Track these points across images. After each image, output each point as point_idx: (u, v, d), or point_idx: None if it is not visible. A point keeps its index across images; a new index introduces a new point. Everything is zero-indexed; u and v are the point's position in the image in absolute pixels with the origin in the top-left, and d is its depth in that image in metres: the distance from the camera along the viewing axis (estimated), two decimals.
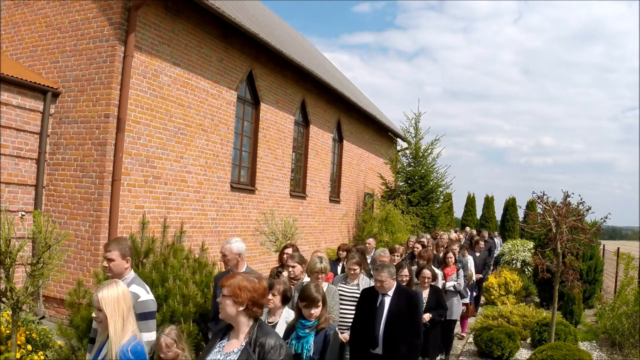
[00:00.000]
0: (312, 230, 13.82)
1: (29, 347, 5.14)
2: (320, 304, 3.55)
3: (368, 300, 4.60)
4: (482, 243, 10.25)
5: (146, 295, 3.47)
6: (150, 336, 3.39)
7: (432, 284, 6.16)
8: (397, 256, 7.10)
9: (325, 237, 14.73)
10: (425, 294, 5.92)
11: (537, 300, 12.39)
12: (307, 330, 3.50)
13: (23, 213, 6.62)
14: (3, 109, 6.99)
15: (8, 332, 4.89)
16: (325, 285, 4.56)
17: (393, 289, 4.58)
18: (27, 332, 5.31)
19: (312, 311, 3.52)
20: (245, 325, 2.52)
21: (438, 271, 7.06)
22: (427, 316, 5.64)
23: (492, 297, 11.54)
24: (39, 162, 7.53)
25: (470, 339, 8.34)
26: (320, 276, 4.54)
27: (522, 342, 8.19)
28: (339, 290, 4.99)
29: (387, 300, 4.54)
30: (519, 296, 11.68)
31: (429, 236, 11.32)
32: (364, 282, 5.27)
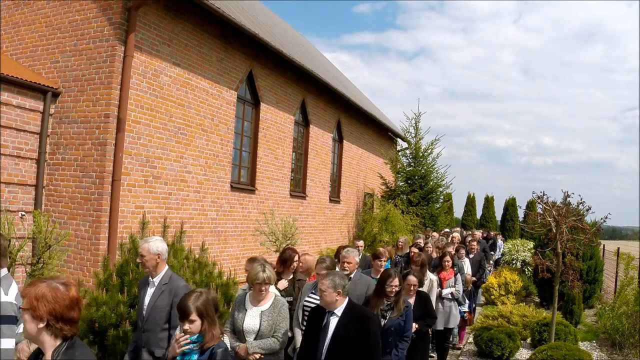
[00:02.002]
0: (312, 230, 13.82)
1: None
2: (195, 317, 2.95)
3: (314, 319, 3.86)
4: (474, 244, 9.74)
5: (3, 297, 3.08)
6: (11, 343, 3.03)
7: (421, 290, 5.55)
8: (383, 261, 6.09)
9: (325, 237, 14.73)
10: (410, 301, 5.28)
11: (537, 300, 12.39)
12: (192, 347, 2.97)
13: (23, 213, 6.63)
14: (3, 109, 6.99)
15: None
16: (272, 295, 4.02)
17: (343, 307, 3.73)
18: None
19: (185, 326, 2.96)
20: (50, 347, 2.02)
21: (433, 276, 6.64)
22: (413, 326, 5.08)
23: (492, 297, 11.54)
24: (39, 162, 7.53)
25: (470, 339, 8.33)
26: (263, 288, 3.90)
27: (522, 342, 8.19)
28: (307, 300, 4.44)
29: (334, 322, 3.71)
30: (519, 296, 11.68)
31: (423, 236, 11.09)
32: None
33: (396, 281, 4.68)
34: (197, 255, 5.56)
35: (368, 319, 3.76)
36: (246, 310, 3.93)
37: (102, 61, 7.41)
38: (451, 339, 7.74)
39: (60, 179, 7.62)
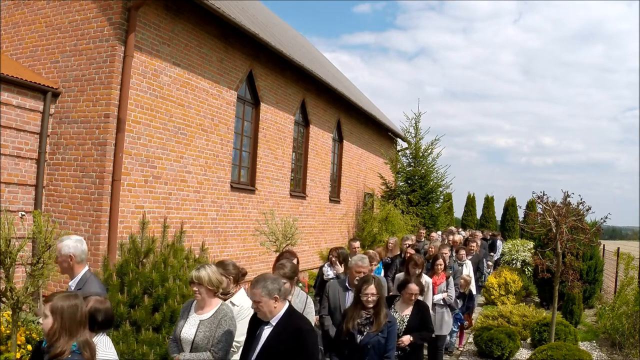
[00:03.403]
0: (312, 230, 13.82)
1: (29, 347, 5.14)
2: (48, 312, 2.58)
3: (251, 329, 3.41)
4: (473, 245, 9.38)
5: None
6: None
7: (419, 298, 5.06)
8: (374, 265, 5.78)
9: (326, 237, 14.73)
10: (408, 310, 4.89)
11: (537, 300, 12.39)
12: (47, 356, 2.57)
13: (23, 213, 6.63)
14: (3, 109, 6.99)
15: (8, 332, 4.90)
16: (218, 303, 3.57)
17: (280, 315, 3.26)
18: (27, 332, 5.32)
19: (41, 319, 2.64)
20: None
21: (429, 279, 6.24)
22: (406, 339, 4.67)
23: (492, 297, 11.55)
24: (39, 162, 7.53)
25: (470, 339, 8.33)
26: (195, 288, 3.50)
27: (522, 342, 8.19)
28: None
29: (266, 332, 3.25)
30: (519, 296, 11.69)
31: (413, 237, 10.24)
32: (299, 300, 4.13)
33: (371, 289, 4.09)
34: (197, 255, 5.56)
35: (302, 331, 3.22)
36: (188, 317, 3.57)
37: (102, 61, 7.41)
38: (450, 343, 7.56)
39: (60, 179, 7.62)
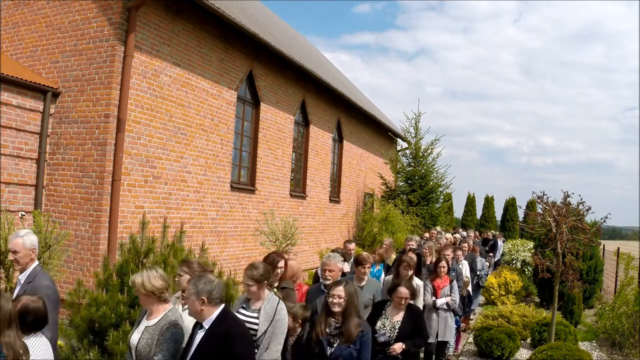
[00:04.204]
0: (312, 230, 13.82)
1: None
2: None
3: (191, 333, 3.22)
4: (465, 245, 9.15)
5: None
6: None
7: (411, 302, 4.72)
8: (367, 268, 5.36)
9: (326, 237, 14.73)
10: (399, 316, 4.54)
11: (537, 300, 12.39)
12: None
13: (23, 213, 6.63)
14: (3, 109, 6.99)
15: None
16: (165, 309, 3.33)
17: (212, 319, 3.05)
18: None
19: None
20: None
21: (419, 281, 5.84)
22: (398, 347, 4.36)
23: (492, 297, 11.55)
24: (39, 162, 7.53)
25: (470, 339, 8.33)
26: (138, 294, 3.33)
27: (522, 342, 8.19)
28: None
29: (199, 336, 3.07)
30: (519, 296, 11.69)
31: (417, 238, 9.45)
32: (270, 306, 3.68)
33: (339, 290, 3.71)
34: (197, 255, 5.55)
35: (229, 335, 3.00)
36: (140, 323, 3.40)
37: (102, 61, 7.41)
38: (447, 351, 7.42)
39: (60, 179, 7.62)
